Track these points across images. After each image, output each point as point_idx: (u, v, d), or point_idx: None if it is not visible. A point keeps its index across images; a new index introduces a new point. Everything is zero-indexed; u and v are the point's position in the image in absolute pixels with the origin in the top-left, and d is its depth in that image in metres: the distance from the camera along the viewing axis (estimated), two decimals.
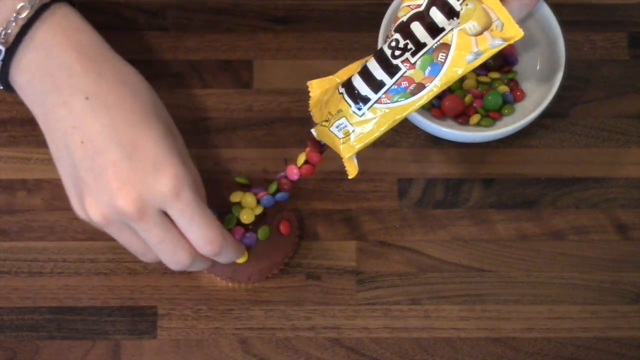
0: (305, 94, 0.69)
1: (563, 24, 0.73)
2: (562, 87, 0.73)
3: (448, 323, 0.73)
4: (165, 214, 0.61)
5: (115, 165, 0.60)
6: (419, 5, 0.60)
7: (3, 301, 0.72)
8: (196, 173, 0.64)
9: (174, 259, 0.63)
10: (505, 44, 0.58)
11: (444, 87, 0.60)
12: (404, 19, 0.61)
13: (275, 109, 0.78)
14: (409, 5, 0.61)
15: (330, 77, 0.67)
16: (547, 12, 0.74)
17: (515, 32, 0.58)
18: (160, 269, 0.73)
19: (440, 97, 0.70)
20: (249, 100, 0.78)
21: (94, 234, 0.73)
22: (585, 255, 0.75)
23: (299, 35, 0.80)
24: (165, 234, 0.61)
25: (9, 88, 0.64)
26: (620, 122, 0.78)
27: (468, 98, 0.74)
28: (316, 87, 0.68)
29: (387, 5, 0.74)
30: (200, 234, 0.62)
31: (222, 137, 0.77)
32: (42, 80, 0.62)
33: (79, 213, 0.63)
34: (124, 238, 0.64)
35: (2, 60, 0.62)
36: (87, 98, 0.61)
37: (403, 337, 0.73)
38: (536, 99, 0.73)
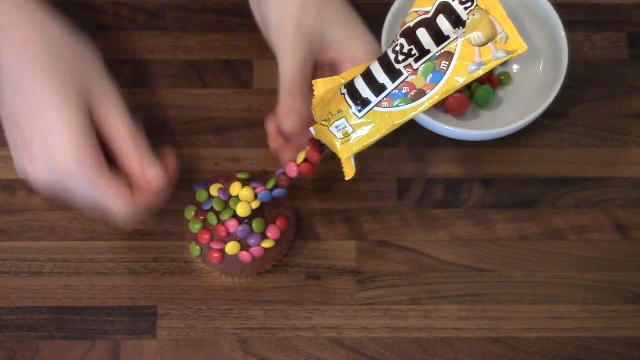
0: None
1: (563, 24, 0.73)
2: (562, 87, 0.73)
3: (448, 323, 0.73)
4: None
5: (24, 138, 0.63)
6: (427, 12, 0.61)
7: (3, 301, 0.72)
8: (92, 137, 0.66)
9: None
10: (508, 56, 0.58)
11: (445, 96, 0.60)
12: (411, 24, 0.61)
13: (275, 109, 0.77)
14: (417, 12, 0.61)
15: (335, 77, 0.67)
16: (551, 12, 0.74)
17: (518, 46, 0.59)
18: (160, 269, 0.73)
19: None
20: (249, 100, 0.78)
21: (94, 233, 0.73)
22: (585, 255, 0.75)
23: None
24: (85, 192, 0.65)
25: None
26: (620, 122, 0.78)
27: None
28: (321, 86, 0.68)
29: (388, 5, 0.74)
30: (110, 204, 0.65)
31: (222, 137, 0.77)
32: None
33: None
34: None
35: None
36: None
37: (403, 337, 0.73)
38: (538, 99, 0.73)
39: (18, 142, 0.65)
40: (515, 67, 0.77)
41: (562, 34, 0.73)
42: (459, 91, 0.75)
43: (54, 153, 0.63)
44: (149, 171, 0.66)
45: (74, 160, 0.63)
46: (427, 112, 0.73)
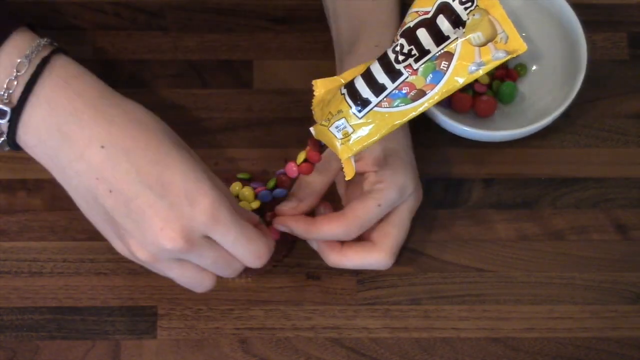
0: (305, 94, 0.69)
1: (581, 23, 0.74)
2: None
3: (448, 323, 0.73)
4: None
5: (151, 207, 0.60)
6: (427, 12, 0.61)
7: (3, 301, 0.72)
8: (219, 181, 0.64)
9: (230, 271, 0.65)
10: (508, 56, 0.58)
11: (445, 96, 0.60)
12: (411, 24, 0.61)
13: (275, 109, 0.78)
14: (417, 12, 0.61)
15: (335, 77, 0.67)
16: (571, 15, 0.75)
17: (518, 46, 0.59)
18: None
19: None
20: (249, 100, 0.78)
21: (94, 233, 0.73)
22: (585, 255, 0.75)
23: (299, 35, 0.80)
24: (216, 252, 0.63)
25: (16, 148, 0.63)
26: (620, 122, 0.78)
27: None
28: (320, 86, 0.68)
29: None
30: (246, 251, 0.63)
31: (222, 137, 0.77)
32: (51, 136, 0.61)
33: (124, 254, 0.64)
34: (174, 273, 0.64)
35: (9, 121, 0.61)
36: (102, 147, 0.60)
37: (403, 337, 0.73)
38: (557, 99, 0.74)
39: (138, 215, 0.61)
40: (534, 67, 0.78)
41: (582, 35, 0.75)
42: (484, 93, 0.76)
43: (199, 205, 0.60)
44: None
45: (219, 204, 0.60)
46: (446, 114, 0.74)
